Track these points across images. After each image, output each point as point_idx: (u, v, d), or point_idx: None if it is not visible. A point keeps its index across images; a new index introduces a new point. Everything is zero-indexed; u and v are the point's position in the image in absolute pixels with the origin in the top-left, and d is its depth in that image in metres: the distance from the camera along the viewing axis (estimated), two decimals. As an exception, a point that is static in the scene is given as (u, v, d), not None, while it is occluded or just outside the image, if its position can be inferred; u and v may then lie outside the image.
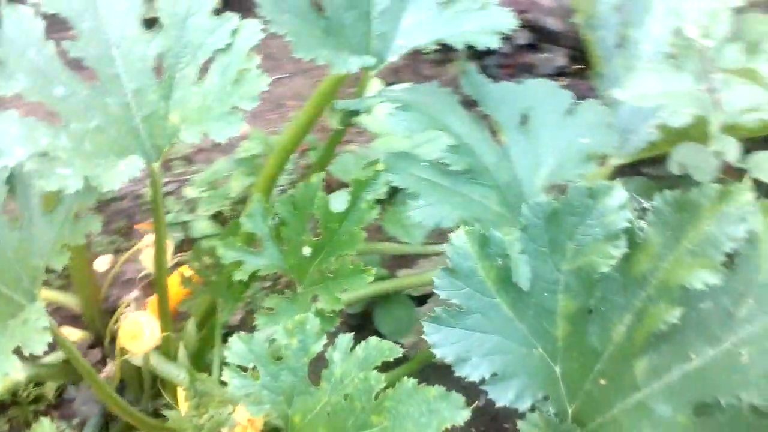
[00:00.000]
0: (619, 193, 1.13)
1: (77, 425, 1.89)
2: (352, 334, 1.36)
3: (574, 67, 2.78)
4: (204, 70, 1.39)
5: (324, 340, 1.36)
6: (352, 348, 1.34)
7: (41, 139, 1.25)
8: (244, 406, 1.49)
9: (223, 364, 1.39)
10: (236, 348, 1.38)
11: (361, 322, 2.25)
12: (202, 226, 2.23)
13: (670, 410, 1.14)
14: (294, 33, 1.33)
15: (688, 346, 1.13)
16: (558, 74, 2.75)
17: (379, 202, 1.47)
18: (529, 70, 2.72)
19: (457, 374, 1.17)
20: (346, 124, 1.58)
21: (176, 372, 1.72)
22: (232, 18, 1.37)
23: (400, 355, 1.30)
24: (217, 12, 1.38)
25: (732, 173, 1.64)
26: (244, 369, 1.37)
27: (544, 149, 1.60)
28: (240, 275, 1.55)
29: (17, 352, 1.20)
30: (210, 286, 1.72)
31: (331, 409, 1.32)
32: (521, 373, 1.19)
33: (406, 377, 1.24)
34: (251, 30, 1.35)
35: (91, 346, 1.99)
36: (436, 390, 1.20)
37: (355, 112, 1.57)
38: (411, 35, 1.52)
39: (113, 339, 1.88)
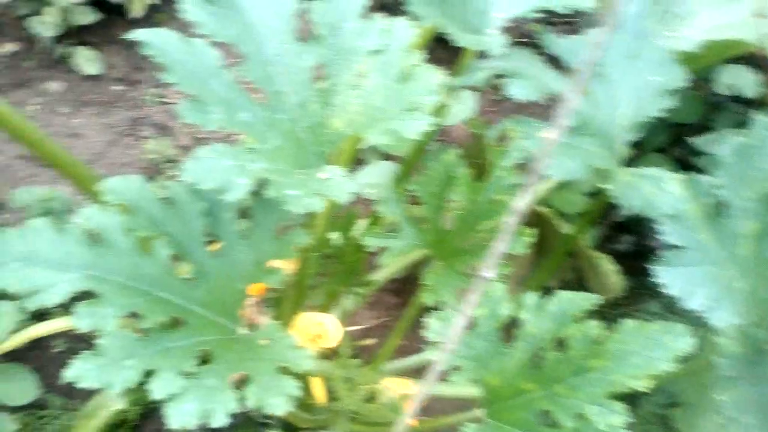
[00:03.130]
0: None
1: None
2: (537, 292, 1.49)
3: None
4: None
5: (510, 304, 1.48)
6: (543, 305, 1.47)
7: (250, 165, 1.28)
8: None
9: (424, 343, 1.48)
10: (434, 326, 1.47)
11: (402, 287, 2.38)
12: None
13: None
14: (445, 25, 1.41)
15: None
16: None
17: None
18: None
19: (684, 306, 1.33)
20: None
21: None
22: (380, 19, 1.42)
23: (595, 300, 1.45)
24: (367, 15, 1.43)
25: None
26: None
27: (620, 93, 1.77)
28: (386, 259, 1.63)
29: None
30: (332, 276, 1.78)
31: (544, 362, 1.45)
32: (725, 295, 1.37)
33: (625, 319, 1.39)
34: (402, 27, 1.41)
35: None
36: (658, 324, 1.36)
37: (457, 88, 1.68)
38: (507, 6, 1.63)
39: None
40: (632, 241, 2.59)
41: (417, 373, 2.01)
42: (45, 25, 2.82)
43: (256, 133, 1.35)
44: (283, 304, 1.80)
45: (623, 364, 1.37)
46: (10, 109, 1.46)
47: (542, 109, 1.82)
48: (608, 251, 2.42)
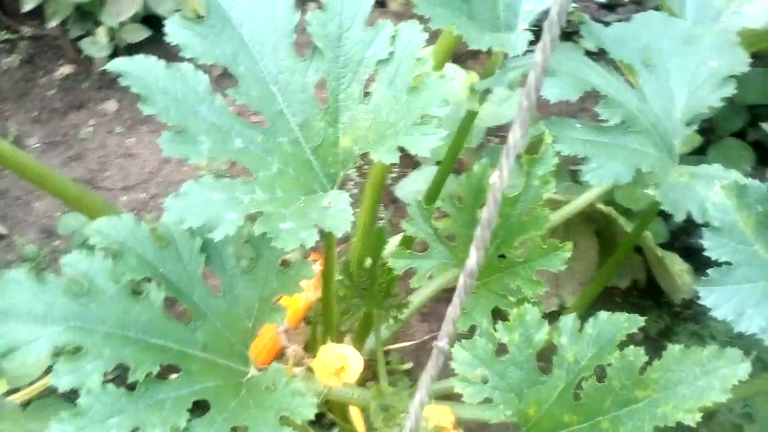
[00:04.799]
0: None
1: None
2: (575, 314, 1.34)
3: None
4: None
5: (546, 328, 1.34)
6: (581, 328, 1.32)
7: (243, 197, 1.17)
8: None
9: (452, 374, 1.36)
10: (461, 356, 1.35)
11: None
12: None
13: None
14: (460, 27, 1.27)
15: None
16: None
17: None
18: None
19: (736, 330, 1.16)
20: (482, 103, 1.53)
21: (348, 392, 1.67)
22: (386, 24, 1.29)
23: (642, 323, 1.29)
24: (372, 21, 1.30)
25: None
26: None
27: (674, 82, 1.58)
28: (417, 281, 1.51)
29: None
30: (366, 300, 1.66)
31: (582, 393, 1.30)
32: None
33: (669, 344, 1.23)
34: (411, 32, 1.28)
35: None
36: (708, 350, 1.19)
37: (489, 90, 1.53)
38: (537, -1, 1.47)
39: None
40: (708, 235, 2.38)
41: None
42: (96, 46, 2.81)
43: (253, 160, 1.24)
44: (316, 330, 1.70)
45: (671, 395, 1.21)
46: (11, 147, 1.40)
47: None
48: (681, 247, 2.23)
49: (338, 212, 1.16)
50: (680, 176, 1.45)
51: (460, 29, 1.27)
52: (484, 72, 1.53)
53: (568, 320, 1.33)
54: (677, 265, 2.11)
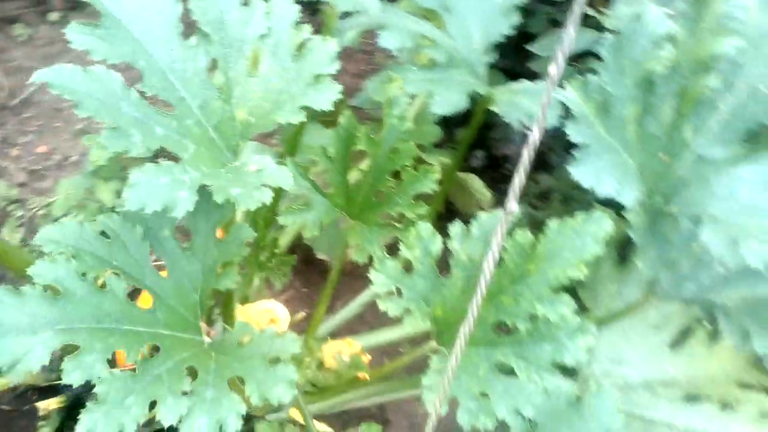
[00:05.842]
0: (653, 8, 1.48)
1: None
2: (459, 220, 1.58)
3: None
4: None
5: (440, 239, 1.57)
6: (467, 231, 1.57)
7: (183, 177, 1.27)
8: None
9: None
10: (377, 279, 1.54)
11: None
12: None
13: (721, 151, 1.55)
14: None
15: (720, 99, 1.54)
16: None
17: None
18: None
19: (597, 194, 1.46)
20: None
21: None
22: (258, 3, 1.44)
23: (518, 213, 1.56)
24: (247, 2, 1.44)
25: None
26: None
27: (469, 21, 1.87)
28: (309, 232, 1.67)
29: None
30: (253, 262, 1.80)
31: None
32: (625, 176, 1.52)
33: (549, 221, 1.51)
34: (283, 6, 1.44)
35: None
36: (579, 217, 1.49)
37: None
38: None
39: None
40: (484, 156, 2.75)
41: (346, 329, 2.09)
42: None
43: (174, 144, 1.34)
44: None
45: (557, 260, 1.48)
46: None
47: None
48: (465, 169, 2.56)
49: (275, 171, 1.30)
50: (503, 94, 1.74)
51: (328, -3, 1.46)
52: (323, 32, 1.72)
53: (456, 227, 1.56)
54: (476, 183, 2.45)
